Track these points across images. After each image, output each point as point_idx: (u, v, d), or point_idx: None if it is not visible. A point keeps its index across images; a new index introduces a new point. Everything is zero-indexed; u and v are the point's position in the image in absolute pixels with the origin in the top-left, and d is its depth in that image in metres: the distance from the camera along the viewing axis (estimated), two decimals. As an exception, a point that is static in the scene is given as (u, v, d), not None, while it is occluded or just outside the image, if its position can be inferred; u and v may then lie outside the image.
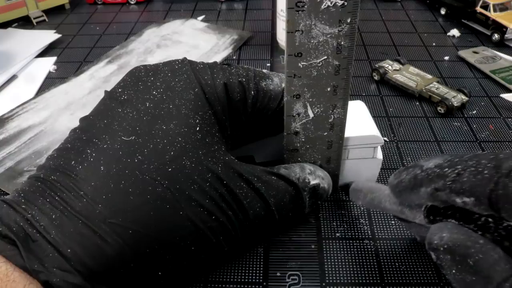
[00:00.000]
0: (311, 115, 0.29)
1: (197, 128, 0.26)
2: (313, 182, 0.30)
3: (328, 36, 0.25)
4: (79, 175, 0.24)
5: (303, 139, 0.30)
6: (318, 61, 0.26)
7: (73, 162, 0.24)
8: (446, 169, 0.22)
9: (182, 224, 0.24)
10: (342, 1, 0.24)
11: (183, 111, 0.26)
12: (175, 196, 0.24)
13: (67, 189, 0.23)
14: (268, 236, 0.32)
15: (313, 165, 0.31)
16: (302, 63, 0.27)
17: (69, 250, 0.22)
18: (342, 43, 0.26)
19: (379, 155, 0.34)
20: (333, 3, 0.24)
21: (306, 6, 0.24)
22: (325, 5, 0.24)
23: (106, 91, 0.28)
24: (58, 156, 0.25)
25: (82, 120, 0.27)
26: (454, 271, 0.21)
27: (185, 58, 0.30)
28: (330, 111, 0.29)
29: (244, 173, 0.27)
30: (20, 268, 0.21)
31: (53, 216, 0.22)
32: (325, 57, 0.26)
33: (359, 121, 0.33)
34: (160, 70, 0.28)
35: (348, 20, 0.25)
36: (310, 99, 0.28)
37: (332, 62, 0.26)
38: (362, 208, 0.34)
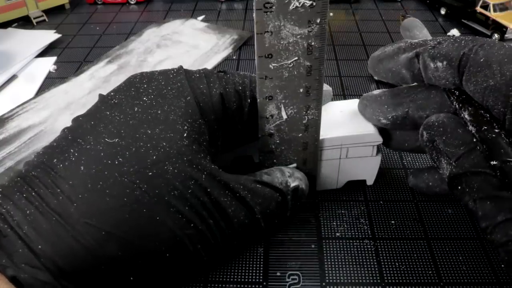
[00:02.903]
0: (285, 116, 0.29)
1: (184, 135, 0.26)
2: (293, 184, 0.30)
3: (298, 37, 0.25)
4: (59, 173, 0.23)
5: (277, 141, 0.30)
6: (289, 62, 0.26)
7: (55, 160, 0.24)
8: (429, 40, 0.27)
9: (158, 229, 0.24)
10: (311, 2, 0.24)
11: (171, 117, 0.26)
12: (152, 200, 0.23)
13: (45, 185, 0.23)
14: (253, 242, 0.32)
15: (290, 168, 0.31)
16: (272, 65, 0.26)
17: (39, 247, 0.21)
18: (313, 43, 0.25)
19: (378, 153, 0.34)
20: (301, 4, 0.24)
21: (274, 7, 0.24)
22: (293, 5, 0.24)
23: (100, 95, 0.28)
24: (43, 153, 0.25)
25: (73, 120, 0.27)
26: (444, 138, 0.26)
27: (181, 67, 0.30)
28: (304, 112, 0.29)
29: (229, 182, 0.26)
30: None
31: (27, 212, 0.22)
32: (296, 58, 0.26)
33: (358, 119, 0.33)
34: (155, 78, 0.28)
35: (318, 21, 0.25)
36: (283, 101, 0.28)
37: (303, 63, 0.26)
38: (362, 208, 0.34)
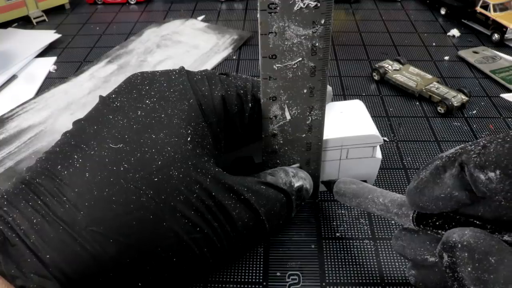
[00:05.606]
0: (288, 117, 0.29)
1: (188, 139, 0.26)
2: (297, 184, 0.30)
3: (302, 37, 0.25)
4: (64, 180, 0.23)
5: (281, 141, 0.30)
6: (293, 62, 0.26)
7: (59, 166, 0.24)
8: (469, 146, 0.20)
9: (165, 235, 0.24)
10: (315, 3, 0.24)
11: (175, 121, 0.26)
12: (159, 206, 0.23)
13: (51, 193, 0.23)
14: (257, 244, 0.32)
15: (294, 167, 0.31)
16: (277, 65, 0.26)
17: (48, 256, 0.21)
18: (317, 44, 0.26)
19: (378, 154, 0.34)
20: (306, 5, 0.24)
21: (278, 8, 0.24)
22: (297, 6, 0.24)
23: (100, 96, 0.28)
24: (46, 159, 0.25)
25: (74, 123, 0.27)
26: (469, 269, 0.20)
27: (182, 68, 0.29)
28: (308, 113, 0.29)
29: (233, 185, 0.26)
30: None
31: (34, 221, 0.22)
32: (300, 58, 0.26)
33: (358, 120, 0.33)
34: (156, 79, 0.28)
35: (322, 21, 0.25)
36: (287, 101, 0.28)
37: (307, 64, 0.26)
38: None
